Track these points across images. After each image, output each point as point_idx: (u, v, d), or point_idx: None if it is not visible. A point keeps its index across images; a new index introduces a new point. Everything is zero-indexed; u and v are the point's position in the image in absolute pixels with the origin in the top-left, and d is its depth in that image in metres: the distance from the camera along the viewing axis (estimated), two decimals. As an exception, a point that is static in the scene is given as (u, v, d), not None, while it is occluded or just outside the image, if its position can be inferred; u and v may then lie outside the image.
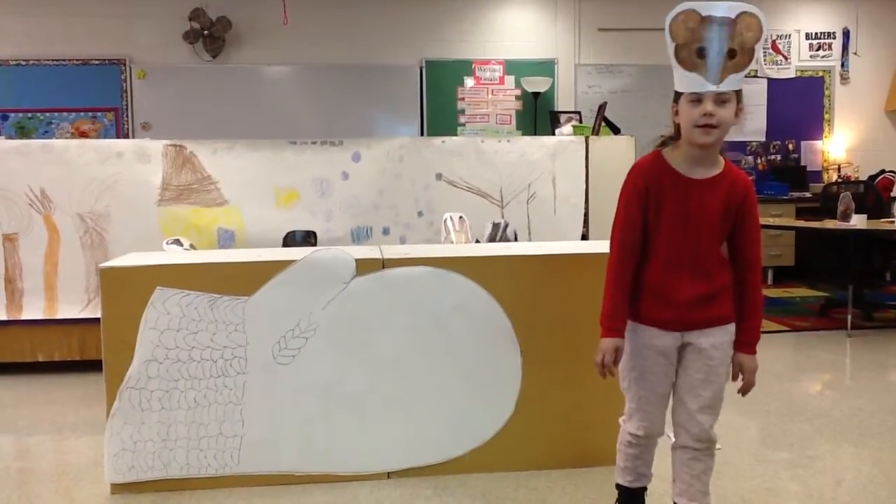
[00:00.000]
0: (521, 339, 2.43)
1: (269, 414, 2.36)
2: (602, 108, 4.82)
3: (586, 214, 4.32)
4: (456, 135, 6.73)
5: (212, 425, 2.35)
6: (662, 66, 2.24)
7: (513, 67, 6.94)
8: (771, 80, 7.25)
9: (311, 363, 2.37)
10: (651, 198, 1.77)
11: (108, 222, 3.90)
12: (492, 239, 3.43)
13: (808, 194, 6.86)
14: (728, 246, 1.82)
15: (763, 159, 7.32)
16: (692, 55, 1.68)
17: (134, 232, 3.86)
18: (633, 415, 1.89)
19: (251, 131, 6.16)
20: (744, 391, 1.84)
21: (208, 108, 6.53)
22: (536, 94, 6.79)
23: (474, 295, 2.41)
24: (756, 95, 7.16)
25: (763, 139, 7.30)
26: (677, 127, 1.77)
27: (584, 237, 4.29)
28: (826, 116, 7.37)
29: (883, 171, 6.74)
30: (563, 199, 4.30)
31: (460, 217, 3.39)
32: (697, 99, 1.68)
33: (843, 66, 7.33)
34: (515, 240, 3.48)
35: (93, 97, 6.49)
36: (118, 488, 2.34)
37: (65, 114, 6.47)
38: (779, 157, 7.33)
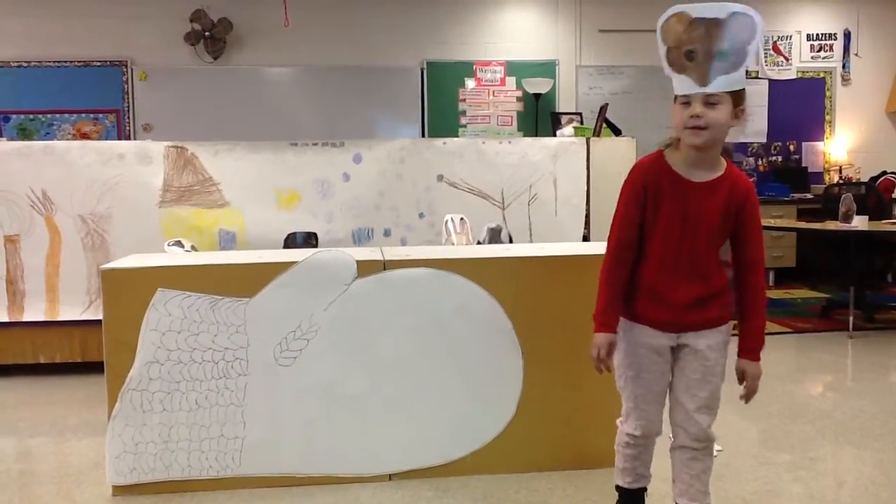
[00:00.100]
0: (523, 341, 2.43)
1: (271, 415, 2.36)
2: (603, 109, 4.82)
3: (587, 216, 4.32)
4: (457, 136, 6.73)
5: (213, 427, 2.35)
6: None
7: (514, 69, 6.93)
8: (772, 82, 7.25)
9: (313, 365, 2.37)
10: (649, 197, 1.77)
11: (109, 224, 3.91)
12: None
13: (809, 195, 6.85)
14: (731, 248, 1.81)
15: (764, 160, 7.31)
16: (681, 57, 1.69)
17: (135, 233, 3.86)
18: (629, 414, 1.89)
19: (252, 133, 6.17)
20: (746, 398, 1.82)
21: (209, 109, 6.53)
22: (537, 96, 6.79)
23: (475, 296, 2.41)
24: (757, 96, 7.15)
25: (764, 140, 7.29)
26: None
27: (586, 238, 4.29)
28: (827, 118, 7.36)
29: (884, 173, 6.75)
30: (564, 200, 4.30)
31: (461, 218, 3.39)
32: (687, 101, 1.69)
33: (844, 67, 7.32)
34: (510, 242, 3.48)
35: (94, 99, 6.49)
36: (119, 490, 2.34)
37: (66, 115, 6.47)
38: (780, 159, 7.33)
